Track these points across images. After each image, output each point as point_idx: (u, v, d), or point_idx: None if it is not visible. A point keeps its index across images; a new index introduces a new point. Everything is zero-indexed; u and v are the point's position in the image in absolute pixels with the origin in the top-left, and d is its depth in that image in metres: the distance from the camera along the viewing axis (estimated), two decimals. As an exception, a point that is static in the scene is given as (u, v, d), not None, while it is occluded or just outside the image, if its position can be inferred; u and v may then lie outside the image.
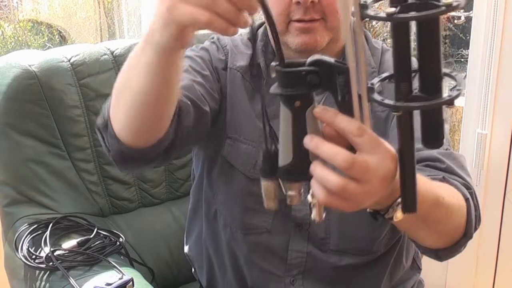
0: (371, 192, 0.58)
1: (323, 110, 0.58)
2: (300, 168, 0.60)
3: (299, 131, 0.59)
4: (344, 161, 0.55)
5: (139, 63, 0.70)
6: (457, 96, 0.52)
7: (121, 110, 0.76)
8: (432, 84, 0.52)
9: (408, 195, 0.59)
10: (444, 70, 0.53)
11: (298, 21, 0.89)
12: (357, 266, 1.00)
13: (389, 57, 1.01)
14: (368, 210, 0.69)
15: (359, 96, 0.56)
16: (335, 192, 0.56)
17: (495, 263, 1.69)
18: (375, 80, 0.58)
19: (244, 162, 0.97)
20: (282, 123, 0.60)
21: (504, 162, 1.55)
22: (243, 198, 0.98)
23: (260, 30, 1.03)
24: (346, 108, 0.57)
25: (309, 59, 0.58)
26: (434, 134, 0.56)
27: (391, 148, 0.59)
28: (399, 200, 0.63)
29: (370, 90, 0.56)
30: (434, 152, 0.88)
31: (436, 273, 1.75)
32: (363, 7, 0.52)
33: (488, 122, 1.54)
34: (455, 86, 0.53)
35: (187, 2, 0.57)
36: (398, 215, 0.66)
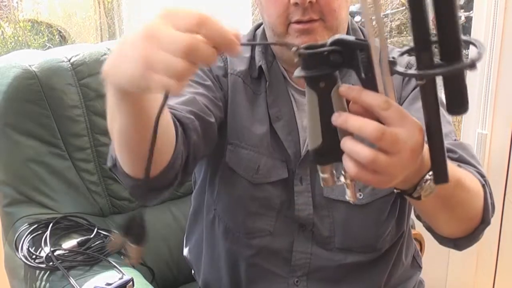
0: (402, 165, 0.58)
1: (348, 88, 0.59)
2: (330, 150, 0.61)
3: (326, 112, 0.60)
4: (374, 130, 0.56)
5: (109, 104, 0.66)
6: (478, 59, 0.53)
7: (118, 148, 0.74)
8: (452, 51, 0.53)
9: (439, 165, 0.60)
10: (463, 37, 0.53)
11: (297, 22, 0.89)
12: (361, 264, 1.00)
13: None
14: (395, 190, 0.70)
15: (382, 71, 0.57)
16: (366, 164, 0.57)
17: (495, 263, 1.69)
18: (396, 54, 0.59)
19: (246, 168, 0.97)
20: (308, 106, 0.61)
21: (504, 162, 1.55)
22: (246, 203, 0.99)
23: (259, 32, 1.03)
24: (369, 84, 0.58)
25: (330, 40, 0.59)
26: (459, 101, 0.56)
27: (417, 120, 0.59)
28: (427, 176, 0.65)
29: (392, 63, 0.57)
30: (445, 144, 0.89)
31: (436, 273, 1.75)
32: None
33: (488, 122, 1.54)
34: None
35: (156, 71, 0.51)
36: (426, 192, 0.67)
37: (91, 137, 1.28)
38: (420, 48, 0.53)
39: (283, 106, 0.98)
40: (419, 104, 0.95)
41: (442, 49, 0.53)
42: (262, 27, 1.03)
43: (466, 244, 0.86)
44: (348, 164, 0.59)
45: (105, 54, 1.33)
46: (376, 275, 1.02)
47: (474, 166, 0.88)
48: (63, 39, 2.59)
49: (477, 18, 1.51)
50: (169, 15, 0.53)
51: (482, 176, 0.87)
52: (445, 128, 0.95)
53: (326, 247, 0.98)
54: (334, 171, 0.64)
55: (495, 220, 1.60)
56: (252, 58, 1.00)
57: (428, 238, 1.32)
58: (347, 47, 0.59)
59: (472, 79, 1.54)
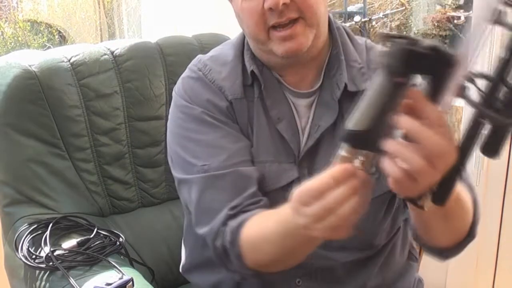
0: (436, 178, 0.62)
1: (419, 95, 0.60)
2: (371, 138, 0.62)
3: (389, 104, 0.60)
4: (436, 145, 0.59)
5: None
6: None
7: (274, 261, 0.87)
8: None
9: (446, 188, 0.63)
10: None
11: (277, 27, 0.89)
12: (360, 261, 1.00)
13: (376, 55, 1.01)
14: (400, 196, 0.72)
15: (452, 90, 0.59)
16: (413, 171, 0.60)
17: (495, 263, 1.69)
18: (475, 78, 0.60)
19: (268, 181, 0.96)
20: (372, 91, 0.61)
21: (504, 162, 1.55)
22: None
23: (245, 40, 1.01)
24: (436, 97, 0.59)
25: (428, 44, 0.59)
26: (496, 147, 0.59)
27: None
28: (434, 189, 0.66)
29: (464, 88, 0.59)
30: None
31: (436, 273, 1.75)
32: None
33: (488, 122, 1.53)
34: None
35: (322, 227, 0.67)
36: (428, 204, 0.69)
37: (91, 137, 1.28)
38: (496, 87, 0.56)
39: (282, 107, 0.97)
40: None
41: (506, 101, 0.56)
42: (244, 35, 1.02)
43: (452, 255, 0.89)
44: (391, 167, 0.61)
45: (105, 54, 1.33)
46: (374, 271, 1.02)
47: (467, 178, 0.89)
48: (63, 39, 2.59)
49: (475, 19, 1.51)
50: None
51: (473, 189, 0.89)
52: None
53: (326, 247, 0.98)
54: (360, 157, 0.65)
55: (495, 220, 1.60)
56: (243, 65, 0.99)
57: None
58: (441, 57, 0.58)
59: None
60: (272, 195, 0.94)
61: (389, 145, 0.61)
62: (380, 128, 0.61)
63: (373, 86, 0.61)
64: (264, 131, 0.97)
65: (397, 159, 0.61)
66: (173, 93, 1.04)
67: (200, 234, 0.93)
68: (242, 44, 1.02)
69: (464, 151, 0.61)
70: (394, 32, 0.59)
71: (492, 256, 1.67)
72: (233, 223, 0.88)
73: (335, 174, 0.65)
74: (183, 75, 1.04)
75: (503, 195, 1.59)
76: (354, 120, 0.62)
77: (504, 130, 0.58)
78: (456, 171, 0.62)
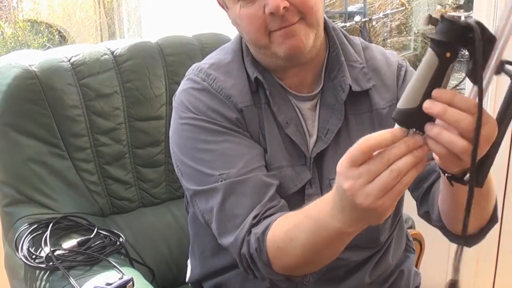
0: (479, 154, 0.63)
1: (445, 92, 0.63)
2: (420, 116, 0.64)
3: (437, 80, 0.63)
4: (470, 124, 0.61)
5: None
6: None
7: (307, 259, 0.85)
8: None
9: (484, 169, 0.67)
10: None
11: (279, 29, 0.88)
12: (366, 258, 1.01)
13: (374, 54, 1.02)
14: (446, 174, 0.73)
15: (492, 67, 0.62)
16: (457, 152, 0.62)
17: (495, 263, 1.69)
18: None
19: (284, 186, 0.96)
20: (423, 68, 0.63)
21: (504, 162, 1.55)
22: None
23: (243, 45, 1.00)
24: (474, 75, 0.61)
25: (471, 20, 0.61)
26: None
27: (494, 118, 0.65)
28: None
29: (504, 64, 0.62)
30: None
31: (436, 273, 1.75)
32: None
33: (488, 122, 1.53)
34: None
35: (387, 199, 0.66)
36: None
37: (91, 137, 1.28)
38: None
39: (288, 112, 0.97)
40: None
41: None
42: (242, 39, 1.01)
43: (476, 241, 0.91)
44: (439, 149, 0.64)
45: (105, 54, 1.33)
46: (379, 265, 1.03)
47: None
48: (63, 39, 2.59)
49: (477, 18, 1.51)
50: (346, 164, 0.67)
51: None
52: None
53: None
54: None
55: (495, 220, 1.60)
56: (246, 71, 0.98)
57: (428, 238, 1.32)
58: (483, 32, 0.60)
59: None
60: (289, 200, 0.93)
61: (430, 129, 0.63)
62: None
63: (422, 65, 0.63)
64: (275, 136, 0.97)
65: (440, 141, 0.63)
66: (174, 104, 1.00)
67: (225, 245, 0.92)
68: (241, 49, 1.00)
69: (501, 126, 0.64)
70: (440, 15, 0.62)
71: (492, 256, 1.67)
72: (257, 230, 0.87)
73: (397, 133, 0.65)
74: (185, 86, 1.00)
75: (503, 195, 1.59)
76: (404, 98, 0.65)
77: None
78: (494, 148, 0.65)
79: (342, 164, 0.67)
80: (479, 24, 0.60)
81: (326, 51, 0.99)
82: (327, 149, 0.97)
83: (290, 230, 0.83)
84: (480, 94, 0.60)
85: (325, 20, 0.99)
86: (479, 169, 0.65)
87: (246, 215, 0.88)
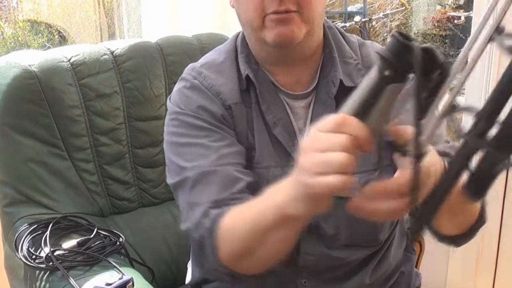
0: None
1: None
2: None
3: (371, 96, 0.61)
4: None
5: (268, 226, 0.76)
6: None
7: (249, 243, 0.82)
8: (506, 144, 0.51)
9: (429, 209, 0.59)
10: None
11: (274, 13, 0.88)
12: (366, 258, 1.01)
13: (369, 51, 1.02)
14: None
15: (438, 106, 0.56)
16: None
17: (495, 263, 1.69)
18: (460, 103, 0.56)
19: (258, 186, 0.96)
20: (363, 81, 0.62)
21: (504, 162, 1.54)
22: None
23: (238, 41, 1.01)
24: (420, 108, 0.57)
25: (423, 45, 0.58)
26: (480, 187, 0.55)
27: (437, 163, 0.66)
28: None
29: (453, 107, 0.55)
30: (445, 147, 0.91)
31: (436, 273, 1.75)
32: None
33: (488, 122, 1.53)
34: None
35: (322, 173, 0.63)
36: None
37: (91, 137, 1.28)
38: (484, 117, 0.51)
39: (277, 112, 0.97)
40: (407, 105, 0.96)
41: (498, 134, 0.51)
42: (240, 35, 1.02)
43: (465, 241, 0.90)
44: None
45: (105, 54, 1.33)
46: (380, 266, 1.03)
47: None
48: (63, 39, 2.59)
49: (477, 18, 1.51)
50: (314, 129, 0.65)
51: None
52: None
53: (332, 246, 0.98)
54: None
55: (495, 220, 1.60)
56: (238, 70, 0.99)
57: (428, 238, 1.32)
58: (432, 61, 0.57)
59: (471, 78, 1.54)
60: None
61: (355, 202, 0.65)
62: (362, 119, 0.62)
63: (364, 79, 0.62)
64: (264, 136, 0.97)
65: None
66: (167, 103, 1.03)
67: (183, 230, 0.92)
68: (235, 49, 1.01)
69: (448, 176, 0.56)
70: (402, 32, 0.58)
71: (492, 256, 1.67)
72: (214, 212, 0.86)
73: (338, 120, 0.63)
74: (178, 87, 1.02)
75: (503, 195, 1.59)
76: (344, 105, 0.64)
77: (492, 169, 0.54)
78: (438, 193, 0.58)
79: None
80: (428, 49, 0.56)
81: (323, 51, 1.00)
82: None
83: (240, 213, 0.83)
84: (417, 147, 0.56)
85: (324, 20, 0.99)
86: (423, 210, 0.59)
87: (207, 202, 0.89)
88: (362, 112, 0.62)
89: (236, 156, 0.94)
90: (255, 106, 0.97)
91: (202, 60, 1.04)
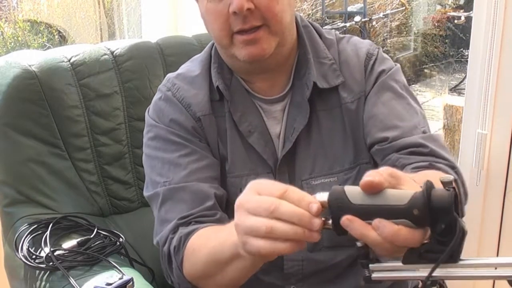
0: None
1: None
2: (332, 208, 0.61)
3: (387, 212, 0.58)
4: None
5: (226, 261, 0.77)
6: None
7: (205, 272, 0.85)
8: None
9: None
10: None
11: (240, 32, 0.88)
12: (351, 257, 1.00)
13: (344, 46, 1.01)
14: None
15: None
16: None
17: (495, 263, 1.68)
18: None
19: (233, 195, 0.96)
20: (392, 202, 0.58)
21: (504, 162, 1.55)
22: None
23: (213, 50, 1.01)
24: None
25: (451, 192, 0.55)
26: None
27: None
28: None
29: (367, 279, 0.59)
30: (416, 138, 0.91)
31: (436, 273, 1.75)
32: None
33: (488, 122, 1.54)
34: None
35: (256, 236, 0.61)
36: None
37: (91, 137, 1.28)
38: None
39: (252, 119, 0.97)
40: (384, 96, 0.95)
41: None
42: (213, 46, 1.02)
43: None
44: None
45: (105, 54, 1.33)
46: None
47: (445, 158, 0.89)
48: (63, 39, 2.60)
49: (477, 18, 1.51)
50: (253, 187, 0.63)
51: (453, 167, 0.88)
52: (413, 119, 0.95)
53: (314, 249, 0.97)
54: None
55: (495, 220, 1.60)
56: (210, 81, 0.99)
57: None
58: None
59: (472, 78, 1.54)
60: None
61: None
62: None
63: (391, 195, 0.58)
64: (237, 145, 0.97)
65: None
66: (145, 114, 1.05)
67: (154, 244, 0.95)
68: (209, 60, 1.01)
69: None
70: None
71: (492, 256, 1.67)
72: (183, 230, 0.88)
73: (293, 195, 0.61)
74: (155, 98, 1.04)
75: (503, 195, 1.59)
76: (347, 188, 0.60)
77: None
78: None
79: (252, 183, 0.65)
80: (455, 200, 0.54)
81: (297, 52, 0.99)
82: (297, 149, 0.97)
83: (204, 238, 0.85)
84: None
85: (297, 19, 0.98)
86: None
87: (176, 218, 0.91)
88: (364, 213, 0.58)
89: (207, 170, 0.95)
90: (229, 115, 0.97)
91: (179, 70, 1.06)
